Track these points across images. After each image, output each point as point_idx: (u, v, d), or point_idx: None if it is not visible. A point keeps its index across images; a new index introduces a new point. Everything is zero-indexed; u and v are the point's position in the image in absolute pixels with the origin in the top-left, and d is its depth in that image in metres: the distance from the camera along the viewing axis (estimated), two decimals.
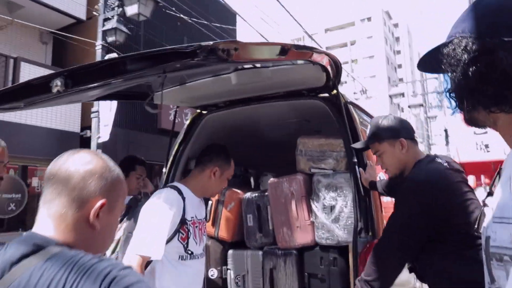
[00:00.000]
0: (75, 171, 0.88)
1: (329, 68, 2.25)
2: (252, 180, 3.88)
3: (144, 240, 1.85)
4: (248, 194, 2.96)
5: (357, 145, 2.06)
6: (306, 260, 2.62)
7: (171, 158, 3.15)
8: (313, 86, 2.56)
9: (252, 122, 3.19)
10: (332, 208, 2.51)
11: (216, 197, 3.00)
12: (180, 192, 2.02)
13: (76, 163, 0.89)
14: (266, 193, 2.84)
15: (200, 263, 2.11)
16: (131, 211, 2.68)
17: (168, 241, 1.92)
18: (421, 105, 17.15)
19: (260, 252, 2.82)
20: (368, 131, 1.93)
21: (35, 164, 9.58)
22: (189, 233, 1.99)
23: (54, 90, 1.56)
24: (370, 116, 3.12)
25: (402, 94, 17.78)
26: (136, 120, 10.35)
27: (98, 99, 2.58)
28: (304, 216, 2.64)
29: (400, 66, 53.21)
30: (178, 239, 1.95)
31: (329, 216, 2.50)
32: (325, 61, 2.16)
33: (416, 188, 1.62)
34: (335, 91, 2.54)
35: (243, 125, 3.22)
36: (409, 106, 17.50)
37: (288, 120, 3.17)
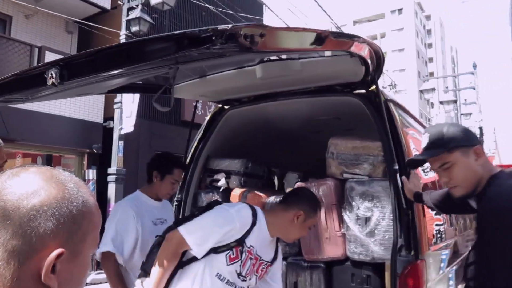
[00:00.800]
0: (14, 208, 0.58)
1: (369, 60, 1.95)
2: (276, 180, 3.63)
3: (196, 231, 1.76)
4: (271, 198, 2.70)
5: (417, 157, 1.67)
6: (335, 276, 2.36)
7: (189, 156, 2.93)
8: (349, 81, 2.27)
9: (278, 119, 2.93)
10: (367, 219, 2.22)
11: (237, 200, 2.76)
12: (254, 215, 1.83)
13: (17, 194, 0.60)
14: None
15: None
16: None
17: (217, 251, 1.76)
18: (455, 101, 16.34)
19: (284, 263, 2.56)
20: (426, 141, 1.55)
21: (60, 153, 9.68)
22: (240, 259, 1.77)
23: (49, 82, 1.34)
24: (413, 117, 2.79)
25: (433, 89, 16.96)
26: (159, 111, 10.22)
27: (110, 91, 2.36)
28: (334, 226, 2.36)
29: (431, 60, 51.38)
30: (226, 255, 1.76)
31: (363, 229, 2.22)
32: (365, 52, 1.85)
33: None
34: (373, 87, 2.24)
35: (268, 122, 2.96)
36: (440, 102, 16.72)
37: (316, 117, 2.89)
